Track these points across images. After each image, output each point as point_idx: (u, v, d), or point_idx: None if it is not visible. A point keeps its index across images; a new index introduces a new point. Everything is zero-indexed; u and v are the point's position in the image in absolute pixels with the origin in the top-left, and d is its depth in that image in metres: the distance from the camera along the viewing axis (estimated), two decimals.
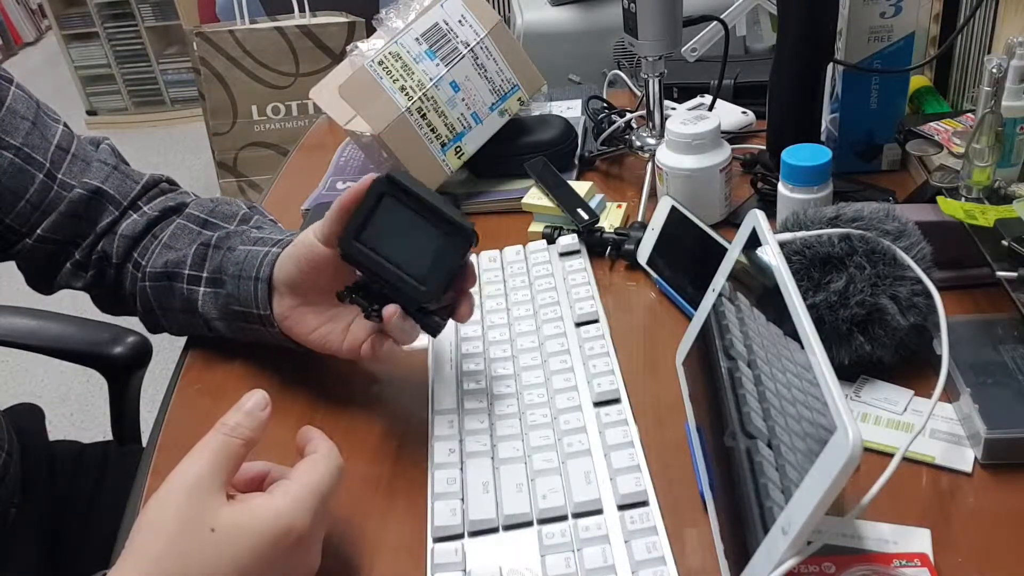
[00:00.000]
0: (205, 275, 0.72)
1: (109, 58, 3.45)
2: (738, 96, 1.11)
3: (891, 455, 0.59)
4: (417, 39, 0.92)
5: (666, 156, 0.86)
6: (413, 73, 0.92)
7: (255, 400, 0.53)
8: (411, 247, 0.59)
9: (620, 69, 1.26)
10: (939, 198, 0.72)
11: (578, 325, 0.73)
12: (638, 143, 0.99)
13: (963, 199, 0.74)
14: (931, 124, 0.88)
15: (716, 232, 0.77)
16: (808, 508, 0.43)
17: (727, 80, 1.09)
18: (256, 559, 0.47)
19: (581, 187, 0.88)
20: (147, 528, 0.46)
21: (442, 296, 0.61)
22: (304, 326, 0.67)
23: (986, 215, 0.69)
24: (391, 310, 0.60)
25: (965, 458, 0.58)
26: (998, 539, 0.53)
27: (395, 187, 0.59)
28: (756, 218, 0.58)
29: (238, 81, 2.17)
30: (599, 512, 0.56)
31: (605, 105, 1.10)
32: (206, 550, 0.46)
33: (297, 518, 0.49)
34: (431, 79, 0.92)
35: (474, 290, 0.79)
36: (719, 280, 0.62)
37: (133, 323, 0.83)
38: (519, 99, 0.98)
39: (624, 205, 0.91)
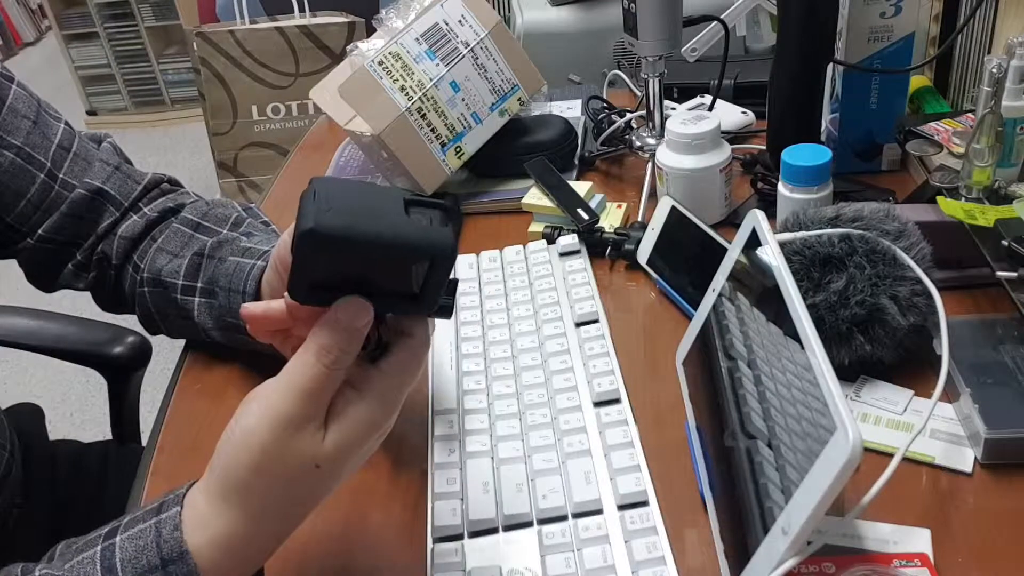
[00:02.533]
0: (199, 285, 0.72)
1: (109, 58, 3.45)
2: (738, 96, 1.11)
3: (891, 455, 0.59)
4: (417, 39, 0.92)
5: (666, 156, 0.86)
6: (413, 73, 0.92)
7: (357, 317, 0.45)
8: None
9: (620, 69, 1.26)
10: (939, 198, 0.72)
11: (578, 325, 0.73)
12: (638, 143, 0.99)
13: (963, 199, 0.74)
14: (931, 124, 0.88)
15: (716, 232, 0.77)
16: (808, 508, 0.43)
17: (727, 80, 1.09)
18: (346, 467, 0.47)
19: (581, 187, 0.88)
20: (251, 469, 0.44)
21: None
22: (289, 344, 0.58)
23: (986, 215, 0.69)
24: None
25: (965, 458, 0.58)
26: (998, 539, 0.53)
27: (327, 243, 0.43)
28: (756, 218, 0.58)
29: (238, 81, 2.17)
30: (599, 512, 0.56)
31: (605, 105, 1.10)
32: (315, 485, 0.46)
33: (388, 419, 0.47)
34: (431, 79, 0.92)
35: (473, 290, 0.80)
36: (719, 280, 0.62)
37: (133, 323, 0.83)
38: (519, 99, 0.98)
39: (624, 205, 0.91)
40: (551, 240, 0.86)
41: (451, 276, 0.48)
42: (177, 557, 0.44)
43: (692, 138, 0.83)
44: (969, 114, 0.88)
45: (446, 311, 0.49)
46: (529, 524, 0.56)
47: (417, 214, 0.44)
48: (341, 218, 0.42)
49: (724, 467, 0.54)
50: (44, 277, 0.79)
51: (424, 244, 0.43)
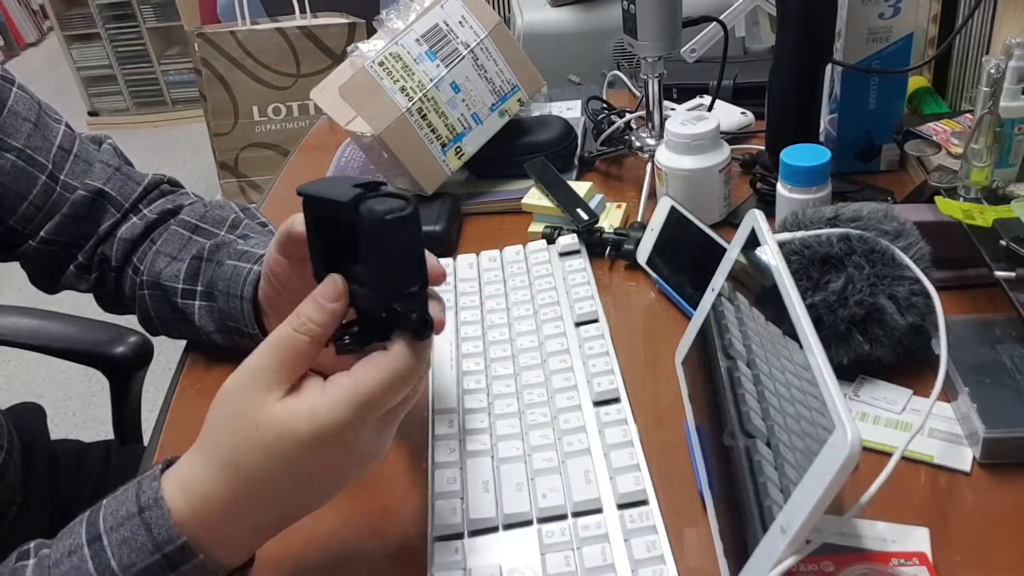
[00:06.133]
0: (199, 289, 0.72)
1: (110, 59, 3.46)
2: (737, 96, 1.11)
3: (890, 454, 0.59)
4: (417, 40, 0.93)
5: (665, 156, 0.86)
6: (413, 74, 0.92)
7: (325, 289, 0.47)
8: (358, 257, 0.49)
9: (620, 69, 1.26)
10: (937, 198, 0.72)
11: (578, 325, 0.74)
12: (638, 143, 0.99)
13: (961, 199, 0.75)
14: (929, 124, 0.88)
15: (715, 232, 0.77)
16: (807, 507, 0.43)
17: (726, 81, 1.09)
18: (299, 460, 0.45)
19: (581, 187, 0.89)
20: (212, 416, 0.48)
21: (401, 288, 0.48)
22: None
23: (984, 215, 0.69)
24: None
25: (963, 457, 0.58)
26: (996, 538, 0.53)
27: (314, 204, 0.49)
28: (755, 218, 0.58)
29: (239, 82, 2.17)
30: (599, 511, 0.56)
31: (605, 105, 1.10)
32: (253, 446, 0.46)
33: (337, 421, 0.45)
34: (431, 80, 0.92)
35: (473, 290, 0.80)
36: (718, 280, 0.62)
37: (135, 323, 0.84)
38: (519, 99, 0.98)
39: (624, 205, 0.91)
40: (551, 240, 0.86)
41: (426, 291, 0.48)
42: (152, 503, 0.46)
43: (691, 138, 0.84)
44: (967, 114, 0.89)
45: (417, 330, 0.47)
46: (529, 523, 0.57)
47: (377, 196, 0.47)
48: (315, 186, 0.49)
49: (723, 466, 0.54)
50: (47, 279, 0.80)
51: (346, 202, 0.46)
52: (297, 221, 0.57)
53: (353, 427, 0.45)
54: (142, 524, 0.46)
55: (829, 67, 0.89)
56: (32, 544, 0.49)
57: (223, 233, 0.76)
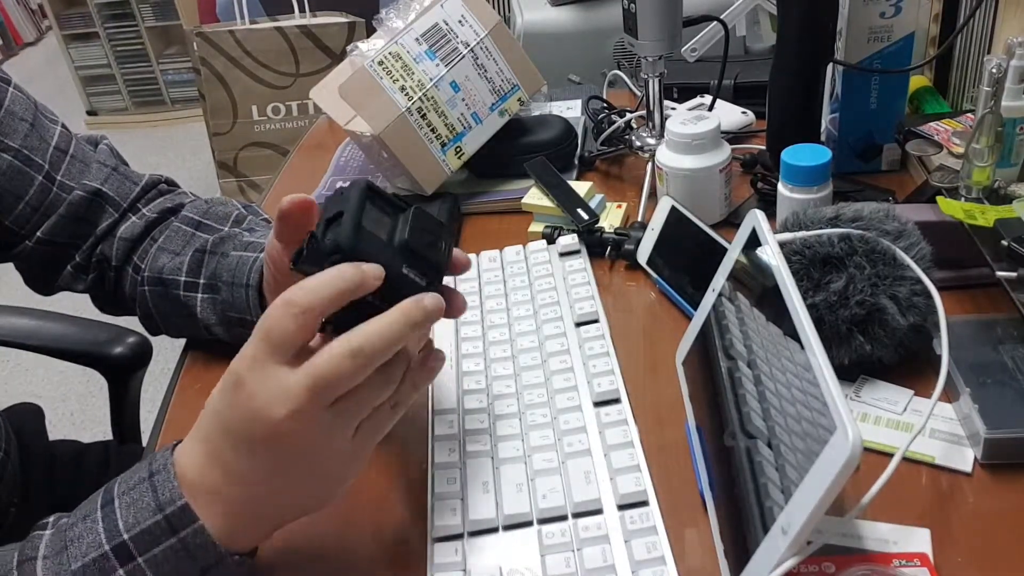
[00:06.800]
0: (202, 281, 0.72)
1: (109, 58, 3.46)
2: (738, 96, 1.11)
3: (891, 455, 0.59)
4: (417, 39, 0.93)
5: (666, 156, 0.86)
6: (413, 73, 0.92)
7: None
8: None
9: (620, 69, 1.26)
10: (939, 198, 0.72)
11: (578, 325, 0.73)
12: (638, 143, 0.99)
13: (963, 199, 0.74)
14: (931, 124, 0.88)
15: (716, 232, 0.77)
16: (808, 508, 0.43)
17: (727, 80, 1.09)
18: (238, 409, 0.47)
19: (581, 187, 0.89)
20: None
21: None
22: None
23: (986, 215, 0.69)
24: None
25: (965, 458, 0.58)
26: (998, 539, 0.53)
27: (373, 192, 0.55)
28: (756, 218, 0.58)
29: (238, 81, 2.17)
30: (599, 512, 0.56)
31: (605, 105, 1.10)
32: (224, 399, 0.49)
33: (245, 355, 0.48)
34: (431, 79, 0.92)
35: (474, 290, 0.80)
36: (719, 280, 0.62)
37: (133, 323, 0.83)
38: (519, 99, 0.98)
39: (624, 205, 0.91)
40: (551, 240, 0.86)
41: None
42: (161, 468, 0.49)
43: (692, 138, 0.84)
44: (969, 114, 0.88)
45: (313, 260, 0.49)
46: (529, 524, 0.56)
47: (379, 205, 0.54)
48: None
49: (724, 467, 0.54)
50: (43, 280, 0.79)
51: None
52: (286, 202, 0.57)
53: (248, 372, 0.47)
54: (150, 487, 0.48)
55: (830, 66, 0.89)
56: (52, 517, 0.52)
57: (227, 228, 0.76)
